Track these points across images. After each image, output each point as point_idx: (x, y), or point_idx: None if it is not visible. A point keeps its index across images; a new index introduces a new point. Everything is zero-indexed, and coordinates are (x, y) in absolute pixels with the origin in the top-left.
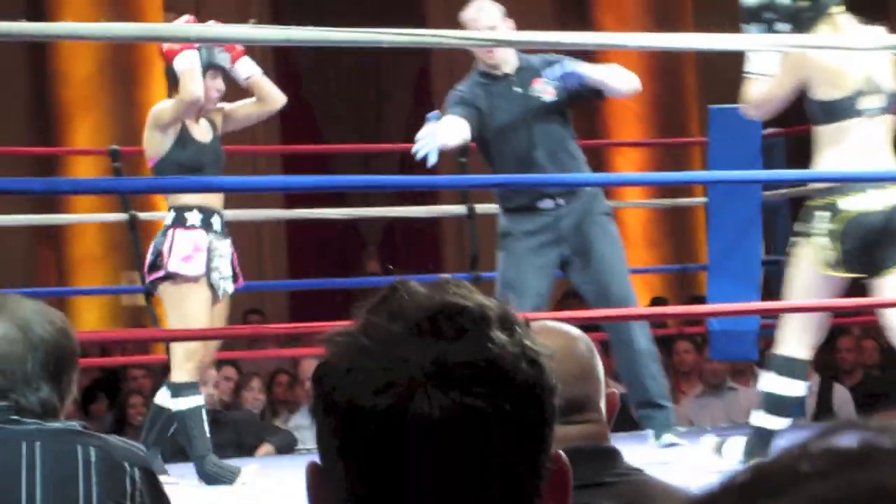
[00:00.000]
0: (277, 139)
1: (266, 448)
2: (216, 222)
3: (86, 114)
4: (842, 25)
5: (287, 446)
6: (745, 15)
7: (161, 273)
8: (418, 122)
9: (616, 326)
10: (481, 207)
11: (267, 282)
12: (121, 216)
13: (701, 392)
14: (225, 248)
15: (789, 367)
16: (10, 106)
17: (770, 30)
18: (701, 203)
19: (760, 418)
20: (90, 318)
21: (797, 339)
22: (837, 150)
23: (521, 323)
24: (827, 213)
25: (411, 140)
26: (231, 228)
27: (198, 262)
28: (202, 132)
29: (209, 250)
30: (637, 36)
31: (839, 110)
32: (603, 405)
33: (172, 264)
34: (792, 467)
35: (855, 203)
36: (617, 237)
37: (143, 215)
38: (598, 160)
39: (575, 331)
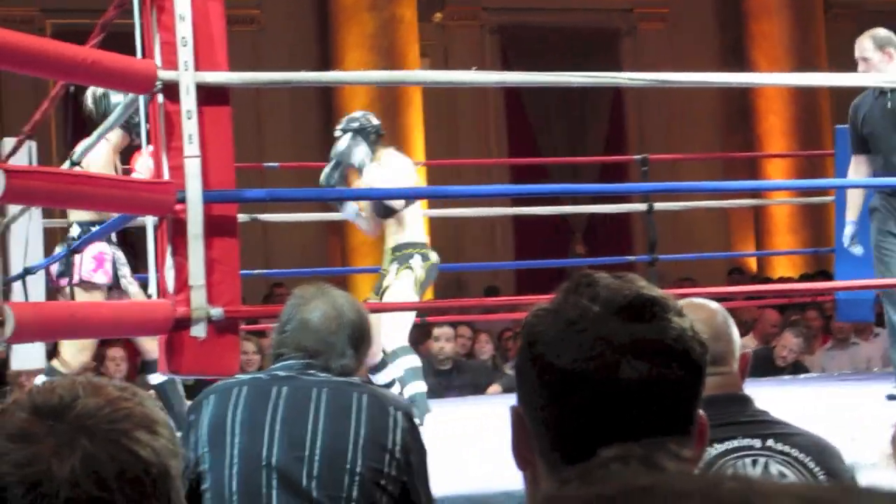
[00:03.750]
0: (506, 153)
1: (495, 388)
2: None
3: None
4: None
5: (511, 387)
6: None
7: (74, 280)
8: (614, 138)
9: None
10: (660, 205)
11: (498, 263)
12: None
13: (830, 346)
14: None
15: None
16: (304, 131)
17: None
18: (831, 201)
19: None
20: (363, 291)
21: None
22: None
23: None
24: (420, 258)
25: (609, 153)
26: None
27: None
28: None
29: (113, 261)
30: (783, 76)
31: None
32: (736, 363)
33: (84, 273)
34: None
35: (433, 257)
36: None
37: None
38: (753, 168)
39: (714, 304)
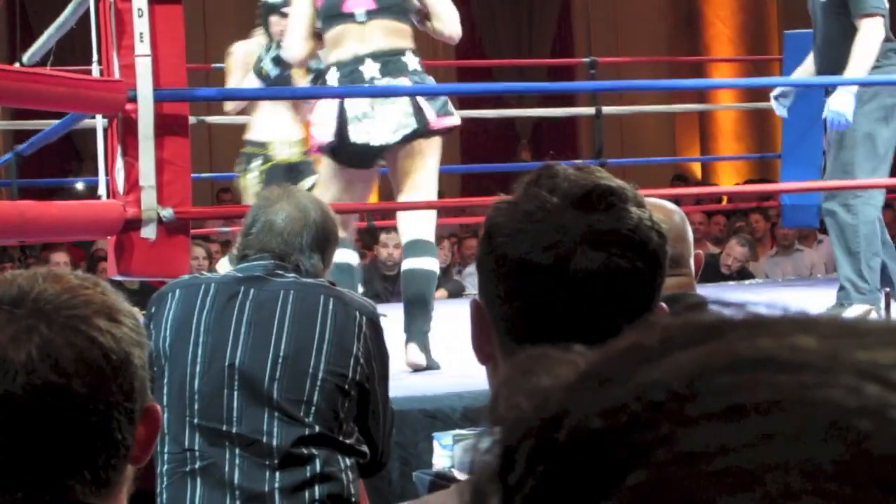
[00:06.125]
0: (453, 55)
1: (441, 293)
2: None
3: None
4: None
5: (457, 292)
6: None
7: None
8: (560, 42)
9: None
10: (607, 109)
11: (443, 166)
12: None
13: (774, 253)
14: None
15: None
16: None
17: None
18: None
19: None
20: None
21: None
22: None
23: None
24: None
25: (555, 57)
26: None
27: None
28: None
29: None
30: None
31: None
32: (692, 263)
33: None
34: (654, 341)
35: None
36: None
37: None
38: (699, 74)
39: (671, 205)
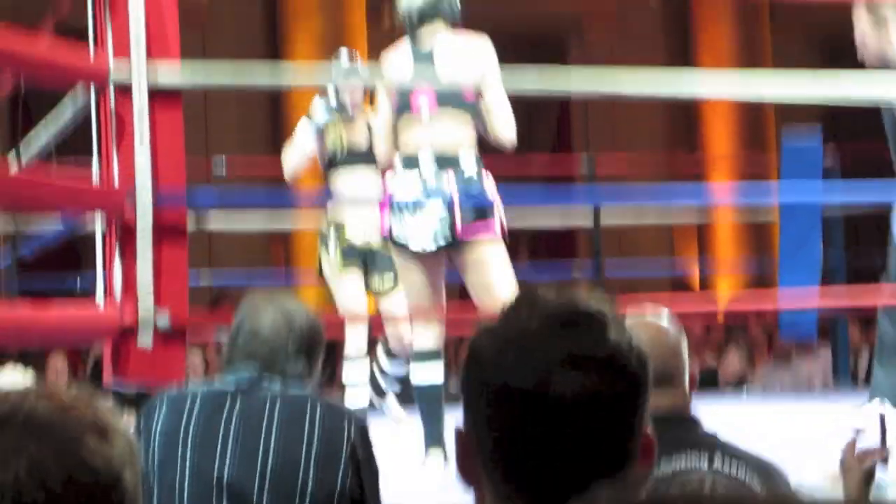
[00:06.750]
0: None
1: None
2: None
3: None
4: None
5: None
6: None
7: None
8: (561, 148)
9: None
10: (605, 220)
11: None
12: None
13: (772, 364)
14: None
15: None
16: (251, 125)
17: None
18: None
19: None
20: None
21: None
22: None
23: (625, 323)
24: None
25: (555, 155)
26: None
27: None
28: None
29: None
30: (726, 79)
31: None
32: (686, 381)
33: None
34: None
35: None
36: None
37: None
38: (699, 171)
39: (666, 322)
